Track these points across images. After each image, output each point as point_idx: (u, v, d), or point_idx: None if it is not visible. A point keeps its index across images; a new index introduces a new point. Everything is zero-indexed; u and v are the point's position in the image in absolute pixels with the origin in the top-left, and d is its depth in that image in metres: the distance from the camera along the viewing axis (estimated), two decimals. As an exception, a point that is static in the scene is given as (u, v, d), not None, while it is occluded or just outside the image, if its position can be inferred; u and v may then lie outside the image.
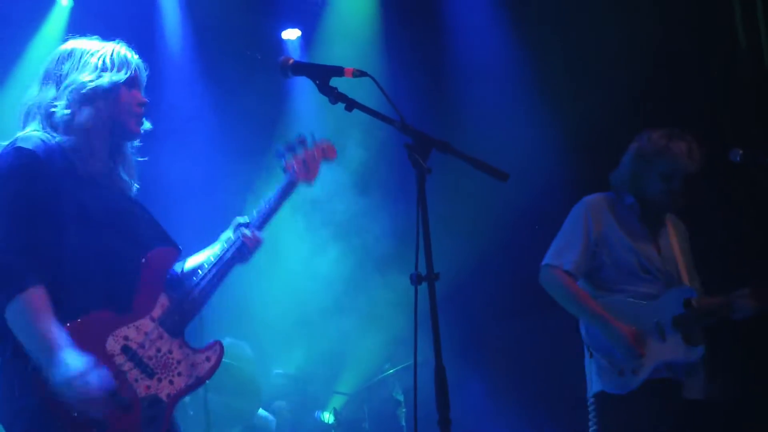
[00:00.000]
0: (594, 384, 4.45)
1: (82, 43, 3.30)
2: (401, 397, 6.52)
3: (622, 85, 6.69)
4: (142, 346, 3.02)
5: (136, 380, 2.98)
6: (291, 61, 3.08)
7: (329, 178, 7.57)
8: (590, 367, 4.49)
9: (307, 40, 8.04)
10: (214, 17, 7.50)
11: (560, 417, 7.15)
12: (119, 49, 3.29)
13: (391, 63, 7.66)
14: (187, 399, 5.66)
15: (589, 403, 4.48)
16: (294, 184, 3.58)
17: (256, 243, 3.40)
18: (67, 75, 3.20)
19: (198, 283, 3.25)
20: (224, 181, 7.30)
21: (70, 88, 3.16)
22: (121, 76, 3.22)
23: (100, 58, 3.22)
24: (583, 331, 4.51)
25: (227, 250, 3.34)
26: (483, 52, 7.67)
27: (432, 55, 7.81)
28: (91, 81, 3.17)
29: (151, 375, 3.01)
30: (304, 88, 7.83)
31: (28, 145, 3.03)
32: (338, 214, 7.36)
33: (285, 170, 3.59)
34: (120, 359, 2.97)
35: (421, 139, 2.89)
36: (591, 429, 4.44)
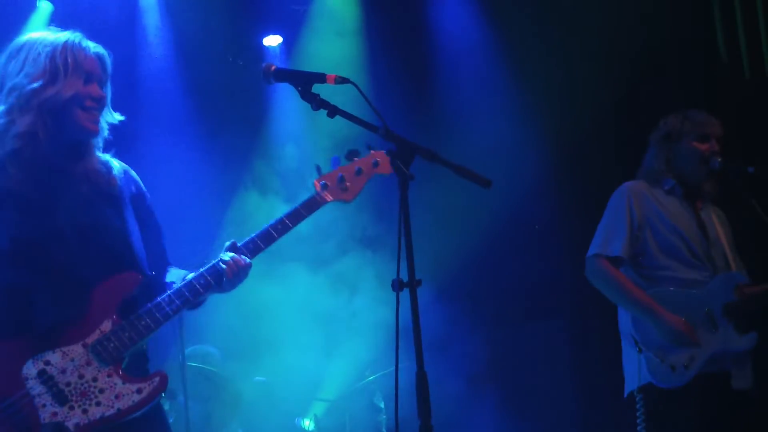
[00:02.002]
0: (642, 377, 4.33)
1: (33, 38, 3.10)
2: (382, 404, 6.51)
3: (605, 93, 6.73)
4: (62, 371, 2.90)
5: (44, 405, 2.88)
6: (273, 68, 3.08)
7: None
8: (635, 362, 4.36)
9: (288, 46, 8.03)
10: (196, 23, 7.48)
11: (543, 423, 7.19)
12: (73, 42, 3.09)
13: (374, 69, 7.66)
14: (167, 406, 5.66)
15: (635, 398, 4.36)
16: (317, 204, 3.30)
17: (238, 270, 3.12)
18: (10, 75, 3.04)
19: (150, 311, 3.03)
20: (206, 187, 7.28)
21: (12, 92, 3.00)
22: (74, 80, 3.02)
23: (49, 56, 3.02)
24: (629, 326, 4.39)
25: (199, 278, 3.09)
26: (467, 59, 7.70)
27: (415, 62, 7.83)
28: (34, 85, 2.99)
29: (62, 402, 2.88)
30: (286, 95, 7.82)
31: None
32: (318, 217, 7.34)
33: (314, 187, 3.31)
34: (32, 383, 2.88)
35: (403, 145, 2.90)
36: (639, 420, 4.34)
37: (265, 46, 8.04)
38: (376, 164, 3.39)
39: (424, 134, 6.42)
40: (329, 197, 3.33)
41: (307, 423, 6.72)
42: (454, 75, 7.72)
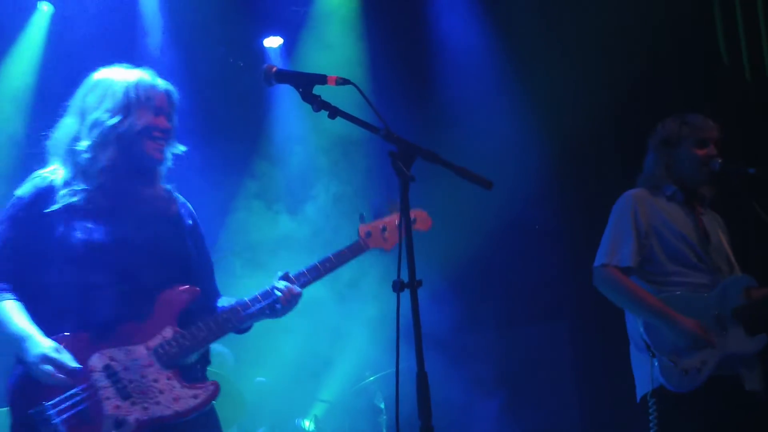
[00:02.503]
0: (654, 381, 4.30)
1: (108, 74, 3.42)
2: (382, 405, 6.51)
3: (606, 94, 6.73)
4: (126, 368, 3.12)
5: (108, 398, 3.08)
6: (274, 69, 3.08)
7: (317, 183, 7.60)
8: (647, 367, 4.33)
9: (289, 48, 8.03)
10: (196, 25, 7.48)
11: (546, 425, 7.19)
12: (145, 78, 3.41)
13: (375, 71, 7.67)
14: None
15: (648, 402, 4.33)
16: (360, 250, 3.59)
17: (292, 299, 3.41)
18: (90, 110, 3.33)
19: (209, 323, 3.30)
20: (207, 189, 7.27)
21: (94, 128, 3.29)
22: (145, 112, 3.33)
23: (125, 92, 3.33)
24: (641, 331, 4.37)
25: (256, 302, 3.38)
26: (467, 59, 7.70)
27: (416, 63, 7.83)
28: (113, 121, 3.28)
29: (125, 397, 3.10)
30: (286, 96, 7.83)
31: (21, 191, 3.30)
32: (320, 220, 7.37)
33: (359, 233, 3.59)
34: (98, 375, 3.10)
35: (404, 147, 2.89)
36: (651, 424, 4.30)
37: (265, 48, 8.05)
38: (415, 221, 3.65)
39: (425, 135, 6.41)
40: (371, 244, 3.62)
41: (308, 423, 6.72)
42: (454, 76, 7.72)
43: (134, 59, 7.39)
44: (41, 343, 3.06)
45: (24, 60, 7.12)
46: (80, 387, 3.07)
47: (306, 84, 3.03)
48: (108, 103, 3.32)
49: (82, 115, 3.35)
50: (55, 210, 3.23)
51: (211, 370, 5.89)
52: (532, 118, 7.22)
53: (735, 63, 6.50)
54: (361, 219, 3.63)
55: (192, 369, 3.30)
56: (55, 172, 3.33)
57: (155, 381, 3.15)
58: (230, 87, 7.53)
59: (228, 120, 7.46)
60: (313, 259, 3.51)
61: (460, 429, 6.94)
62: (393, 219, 3.62)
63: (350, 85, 3.00)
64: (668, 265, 4.45)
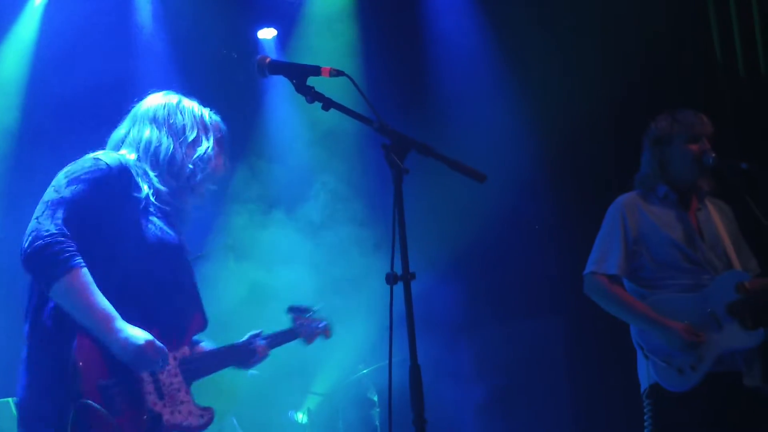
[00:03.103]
0: (650, 380, 4.34)
1: (187, 103, 3.65)
2: (375, 398, 6.52)
3: (601, 91, 6.72)
4: (161, 372, 3.25)
5: (149, 393, 3.19)
6: (268, 60, 3.07)
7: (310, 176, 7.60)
8: (645, 368, 4.39)
9: (283, 39, 8.02)
10: (190, 16, 7.47)
11: (539, 421, 7.19)
12: (210, 114, 3.67)
13: (369, 62, 7.66)
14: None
15: (644, 401, 4.37)
16: (296, 335, 4.18)
17: (264, 357, 3.88)
18: (180, 128, 3.54)
19: (213, 355, 3.62)
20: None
21: (185, 142, 3.51)
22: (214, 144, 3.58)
23: (201, 114, 3.62)
24: (635, 334, 4.43)
25: (242, 347, 3.81)
26: (462, 52, 7.69)
27: (410, 55, 7.82)
28: (202, 144, 3.53)
29: (160, 396, 3.22)
30: (280, 88, 7.82)
31: (107, 160, 3.30)
32: (313, 213, 7.36)
33: (293, 321, 4.20)
34: (143, 372, 3.20)
35: (398, 139, 2.89)
36: (646, 423, 4.33)
37: (259, 39, 8.03)
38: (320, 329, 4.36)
39: (419, 129, 6.39)
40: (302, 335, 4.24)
41: (301, 416, 6.73)
42: (449, 69, 7.71)
43: (128, 52, 7.44)
44: (134, 330, 3.11)
45: (17, 51, 7.10)
46: (129, 378, 3.14)
47: (300, 75, 3.02)
48: (195, 132, 3.56)
49: (170, 130, 3.52)
50: (140, 197, 3.30)
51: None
52: (528, 112, 7.22)
53: (729, 59, 6.50)
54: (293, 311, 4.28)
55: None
56: (128, 156, 3.43)
57: (178, 390, 3.29)
58: (224, 78, 7.51)
59: (221, 111, 7.44)
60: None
61: (452, 422, 6.95)
62: (315, 326, 4.33)
63: (344, 77, 2.99)
64: (660, 270, 4.46)
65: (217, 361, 3.63)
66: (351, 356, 7.02)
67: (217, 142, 3.61)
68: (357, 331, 6.93)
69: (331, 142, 7.45)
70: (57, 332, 3.13)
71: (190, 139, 3.52)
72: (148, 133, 3.49)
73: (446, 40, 7.80)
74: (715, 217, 4.59)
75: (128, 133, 3.53)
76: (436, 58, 7.82)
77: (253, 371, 6.85)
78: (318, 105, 3.01)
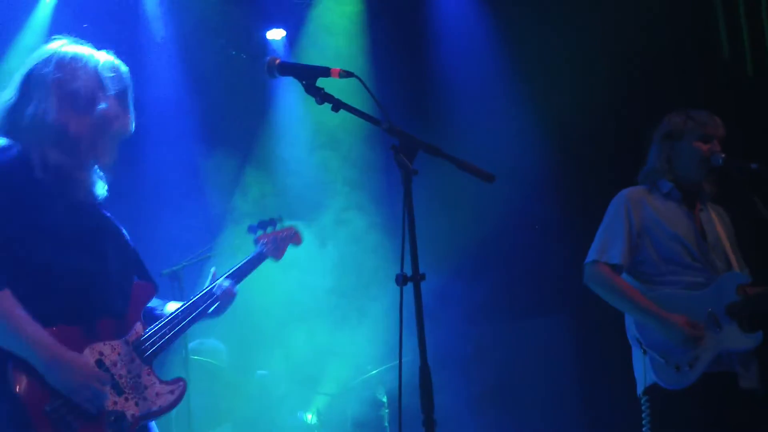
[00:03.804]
0: (647, 378, 4.34)
1: (74, 48, 3.20)
2: (384, 398, 6.52)
3: (607, 89, 6.72)
4: (114, 364, 3.05)
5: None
6: (278, 61, 3.05)
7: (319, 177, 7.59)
8: (641, 364, 4.37)
9: (291, 40, 8.03)
10: (199, 17, 7.47)
11: (546, 420, 7.18)
12: (111, 59, 3.25)
13: (377, 63, 7.66)
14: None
15: (641, 399, 4.36)
16: (264, 256, 3.93)
17: (232, 297, 3.52)
18: (59, 82, 3.10)
19: (170, 322, 3.28)
20: (209, 179, 7.30)
21: (64, 99, 3.10)
22: (114, 94, 3.18)
23: (95, 67, 3.17)
24: (633, 329, 4.40)
25: (202, 300, 3.43)
26: (467, 52, 7.69)
27: (418, 56, 7.82)
28: (86, 92, 3.12)
29: (119, 392, 3.03)
30: (289, 89, 7.82)
31: None
32: (323, 215, 7.36)
33: (256, 242, 3.97)
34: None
35: (407, 140, 2.88)
36: (644, 421, 4.33)
37: (268, 40, 8.04)
38: (289, 237, 4.21)
39: (425, 129, 6.41)
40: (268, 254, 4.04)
41: (309, 417, 6.72)
42: (455, 69, 7.71)
43: (137, 52, 7.44)
44: (76, 364, 2.89)
45: (27, 49, 7.11)
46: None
47: (309, 76, 3.00)
48: (81, 78, 3.15)
49: (48, 87, 3.12)
50: (26, 182, 2.99)
51: (204, 361, 5.99)
52: (534, 111, 7.22)
53: (737, 58, 6.49)
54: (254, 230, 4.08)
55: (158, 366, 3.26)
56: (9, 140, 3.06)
57: (138, 376, 3.10)
58: (232, 79, 7.52)
59: (229, 112, 7.46)
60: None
61: (459, 422, 6.94)
62: (281, 234, 4.13)
63: (353, 78, 2.98)
64: (662, 265, 4.46)
65: (180, 323, 3.31)
66: (360, 357, 7.02)
67: (118, 98, 3.20)
68: (366, 332, 6.94)
69: (339, 144, 7.45)
70: None
71: (83, 103, 3.11)
72: (32, 103, 3.08)
73: (453, 42, 7.80)
74: (716, 220, 4.59)
75: (14, 102, 3.11)
76: (443, 58, 7.82)
77: (262, 371, 6.90)
78: (327, 106, 3.00)
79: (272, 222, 4.13)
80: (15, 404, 2.84)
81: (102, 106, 3.14)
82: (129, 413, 3.02)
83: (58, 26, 7.12)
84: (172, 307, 3.41)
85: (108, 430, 2.96)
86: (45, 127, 3.06)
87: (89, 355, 2.99)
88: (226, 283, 3.51)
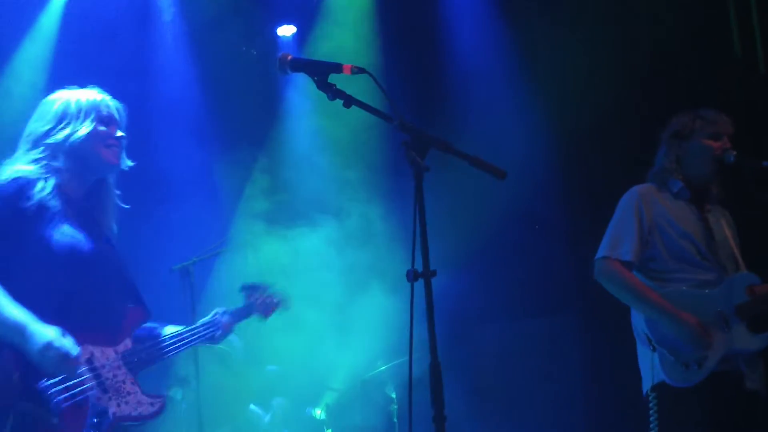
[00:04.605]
0: (655, 376, 4.31)
1: (64, 94, 3.59)
2: (393, 394, 6.53)
3: (616, 88, 6.69)
4: (103, 366, 3.35)
5: (91, 389, 3.29)
6: (289, 58, 3.06)
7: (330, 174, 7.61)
8: (649, 361, 4.34)
9: (302, 36, 8.03)
10: (209, 13, 7.49)
11: (553, 419, 7.18)
12: (87, 95, 3.58)
13: (387, 59, 7.66)
14: (179, 395, 5.69)
15: (649, 397, 4.34)
16: (253, 312, 4.24)
17: (227, 332, 3.97)
18: (53, 116, 3.52)
19: (159, 343, 3.63)
20: (220, 174, 7.31)
21: (62, 128, 3.49)
22: (88, 123, 3.51)
23: (65, 107, 3.52)
24: (642, 325, 4.36)
25: (202, 328, 3.84)
26: (478, 50, 7.69)
27: (427, 52, 7.82)
28: (72, 127, 3.49)
29: (104, 391, 3.33)
30: (299, 85, 7.83)
31: None
32: (334, 211, 7.37)
33: (247, 299, 4.24)
34: (83, 367, 3.29)
35: (418, 136, 2.88)
36: (651, 419, 4.31)
37: (278, 36, 8.05)
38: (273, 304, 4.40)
39: (433, 126, 6.41)
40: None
41: (319, 412, 6.74)
42: (466, 66, 7.70)
43: (148, 49, 7.45)
44: (44, 331, 3.17)
45: (38, 47, 7.13)
46: (77, 373, 3.24)
47: (321, 73, 3.00)
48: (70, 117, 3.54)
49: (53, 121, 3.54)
50: (25, 206, 3.32)
51: (221, 348, 6.01)
52: (544, 110, 7.20)
53: (748, 56, 6.47)
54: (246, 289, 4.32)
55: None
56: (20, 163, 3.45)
57: (123, 382, 3.39)
58: (243, 76, 7.53)
59: (241, 108, 7.47)
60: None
61: (466, 421, 6.94)
62: (270, 299, 4.34)
63: (364, 74, 2.98)
64: (671, 263, 4.43)
65: (180, 343, 3.69)
66: (369, 352, 7.03)
67: (101, 119, 3.55)
68: (376, 328, 6.95)
69: (350, 142, 7.46)
70: None
71: (63, 125, 3.51)
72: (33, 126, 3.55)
73: (463, 38, 7.80)
74: (723, 222, 4.58)
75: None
76: (454, 55, 7.81)
77: (272, 367, 6.91)
78: (339, 102, 3.01)
79: (261, 288, 4.36)
80: (8, 378, 3.17)
81: (72, 127, 3.51)
82: (111, 411, 3.30)
83: (69, 23, 7.18)
84: (169, 330, 3.73)
85: (90, 423, 3.22)
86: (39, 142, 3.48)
87: (82, 353, 3.28)
88: (227, 318, 3.95)
